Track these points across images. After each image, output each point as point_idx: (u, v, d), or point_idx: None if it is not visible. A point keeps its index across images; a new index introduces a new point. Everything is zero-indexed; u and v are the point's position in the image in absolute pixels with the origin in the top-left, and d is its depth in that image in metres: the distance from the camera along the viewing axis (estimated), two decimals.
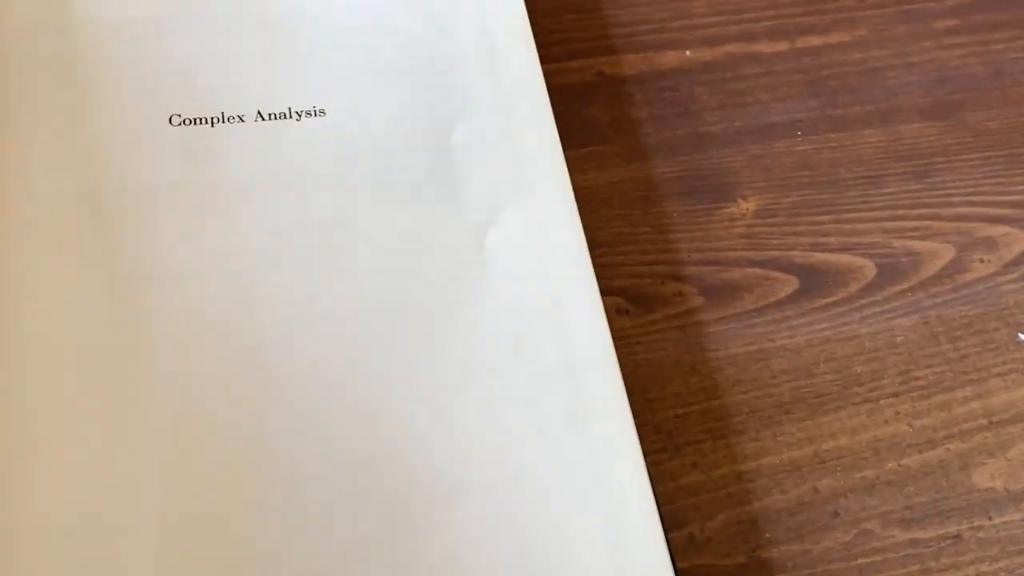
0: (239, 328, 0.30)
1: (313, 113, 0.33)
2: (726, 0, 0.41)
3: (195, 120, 0.33)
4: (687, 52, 0.40)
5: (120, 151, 0.32)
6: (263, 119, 0.33)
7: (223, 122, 0.33)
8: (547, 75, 0.38)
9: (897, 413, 0.33)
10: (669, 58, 0.39)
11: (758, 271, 0.35)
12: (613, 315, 0.34)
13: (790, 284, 0.35)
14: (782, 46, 0.40)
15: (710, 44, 0.40)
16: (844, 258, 0.36)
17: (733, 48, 0.40)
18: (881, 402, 0.33)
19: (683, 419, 0.33)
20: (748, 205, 0.37)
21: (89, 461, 0.27)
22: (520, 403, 0.29)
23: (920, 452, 0.32)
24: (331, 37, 0.35)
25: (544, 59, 0.38)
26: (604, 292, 0.34)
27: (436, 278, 0.31)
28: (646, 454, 0.31)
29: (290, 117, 0.33)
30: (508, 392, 0.29)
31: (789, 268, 0.35)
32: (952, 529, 0.31)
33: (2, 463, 0.26)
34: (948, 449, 0.33)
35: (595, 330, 0.31)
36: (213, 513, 0.27)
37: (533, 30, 0.38)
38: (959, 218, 0.37)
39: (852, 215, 0.37)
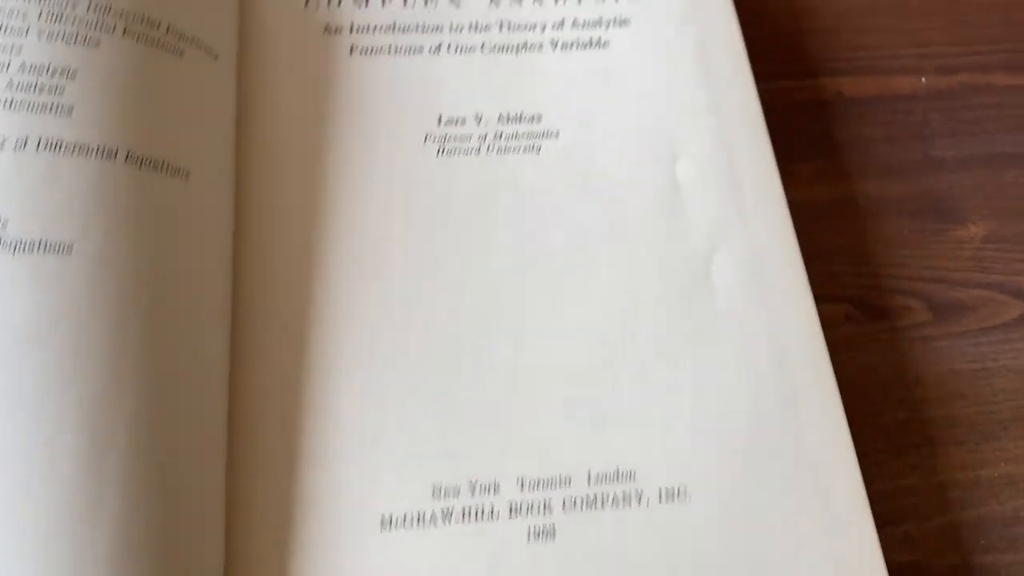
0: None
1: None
2: (963, 31, 0.43)
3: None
4: (923, 79, 0.41)
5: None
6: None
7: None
8: (789, 91, 0.40)
9: None
10: (904, 83, 0.41)
11: (984, 293, 0.37)
12: (842, 320, 0.36)
13: (1016, 308, 0.37)
14: (1018, 79, 0.42)
15: (945, 73, 0.42)
16: None
17: (966, 78, 0.42)
18: None
19: (905, 424, 0.34)
20: (977, 230, 0.38)
21: None
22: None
23: None
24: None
25: (787, 76, 0.41)
26: (833, 299, 0.36)
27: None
28: (868, 453, 0.33)
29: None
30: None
31: (1016, 293, 0.37)
32: None
33: None
34: None
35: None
36: None
37: (775, 50, 0.40)
38: None
39: None
